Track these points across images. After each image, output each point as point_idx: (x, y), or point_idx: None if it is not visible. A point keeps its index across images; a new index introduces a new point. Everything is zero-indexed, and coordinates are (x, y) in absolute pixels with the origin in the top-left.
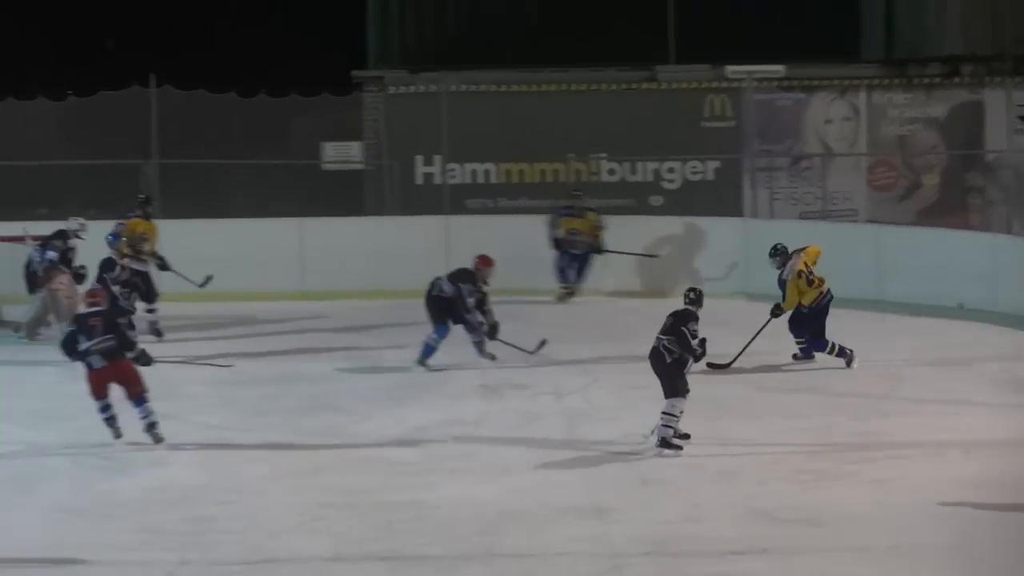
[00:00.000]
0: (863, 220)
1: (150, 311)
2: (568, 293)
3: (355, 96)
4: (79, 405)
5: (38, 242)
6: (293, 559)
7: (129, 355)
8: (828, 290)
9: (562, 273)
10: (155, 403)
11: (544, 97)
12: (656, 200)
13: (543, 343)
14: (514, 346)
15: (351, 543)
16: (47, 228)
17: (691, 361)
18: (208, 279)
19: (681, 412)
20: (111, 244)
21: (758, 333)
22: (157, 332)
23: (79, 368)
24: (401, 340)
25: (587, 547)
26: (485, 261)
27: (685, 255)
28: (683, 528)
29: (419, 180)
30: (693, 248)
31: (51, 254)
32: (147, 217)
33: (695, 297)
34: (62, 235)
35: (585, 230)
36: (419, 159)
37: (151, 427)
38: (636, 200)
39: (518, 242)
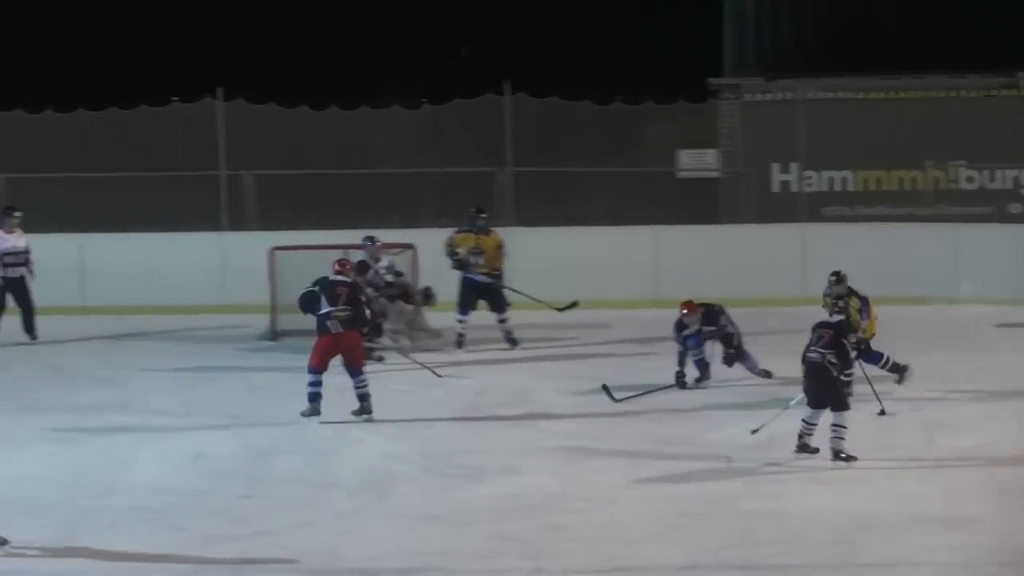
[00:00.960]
0: None
1: (501, 321)
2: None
3: (710, 103)
4: (432, 412)
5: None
6: (647, 568)
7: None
8: None
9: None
10: (509, 409)
11: (902, 104)
12: (1015, 208)
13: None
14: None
15: (705, 552)
16: (398, 236)
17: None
18: (573, 305)
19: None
20: (367, 247)
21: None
22: (512, 341)
23: (432, 379)
24: (755, 349)
25: (944, 557)
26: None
27: None
28: None
29: (775, 188)
30: None
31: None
32: (480, 232)
33: (842, 307)
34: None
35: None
36: (775, 167)
37: (364, 398)
38: (995, 208)
39: (876, 251)
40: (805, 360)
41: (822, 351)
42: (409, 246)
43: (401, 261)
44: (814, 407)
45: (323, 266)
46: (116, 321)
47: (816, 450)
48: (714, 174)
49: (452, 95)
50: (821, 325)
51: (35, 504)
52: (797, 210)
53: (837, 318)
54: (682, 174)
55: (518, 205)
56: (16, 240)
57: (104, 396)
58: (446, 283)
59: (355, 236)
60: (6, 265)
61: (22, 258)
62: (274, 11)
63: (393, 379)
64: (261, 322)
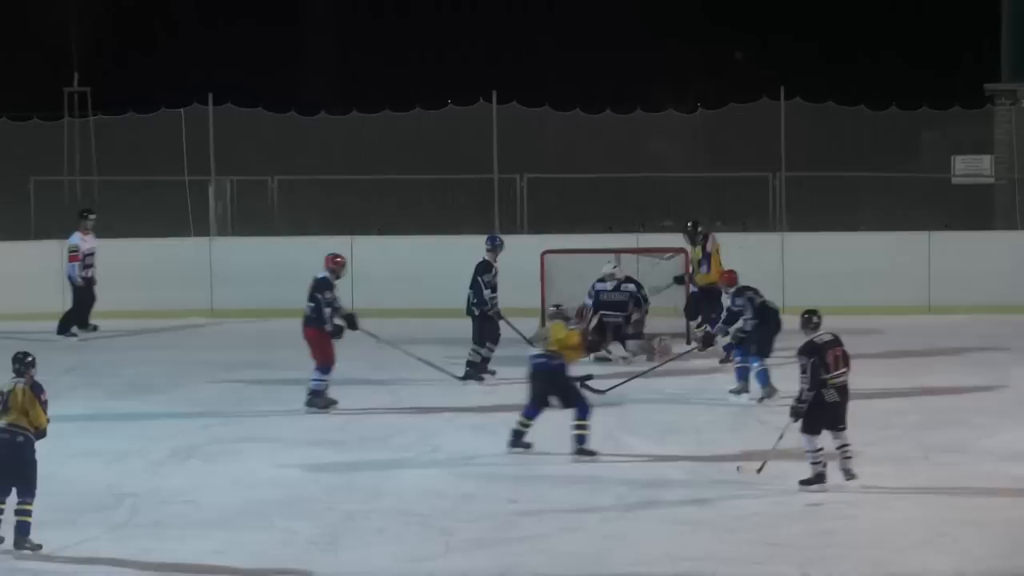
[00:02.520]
0: None
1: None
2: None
3: (987, 109)
4: (702, 419)
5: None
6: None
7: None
8: None
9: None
10: (780, 418)
11: None
12: None
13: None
14: None
15: (975, 560)
16: (670, 241)
17: None
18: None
19: None
20: (491, 249)
21: None
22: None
23: (705, 384)
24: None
25: None
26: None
27: None
28: None
29: None
30: None
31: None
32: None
33: (819, 320)
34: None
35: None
36: None
37: (312, 392)
38: None
39: None
40: (836, 386)
41: (845, 369)
42: (681, 250)
43: (672, 265)
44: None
45: (594, 270)
46: (382, 324)
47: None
48: (989, 180)
49: (727, 100)
50: (832, 344)
51: (302, 507)
52: None
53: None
54: (957, 180)
55: (791, 210)
56: (92, 242)
57: (371, 399)
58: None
59: (628, 240)
60: (86, 266)
61: (93, 260)
62: (549, 17)
63: (665, 384)
64: (531, 325)
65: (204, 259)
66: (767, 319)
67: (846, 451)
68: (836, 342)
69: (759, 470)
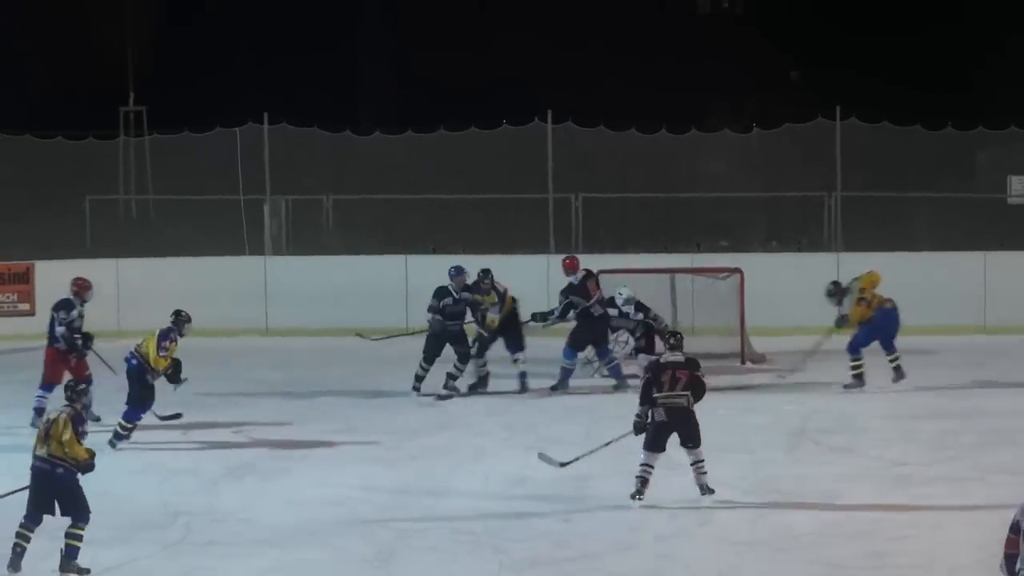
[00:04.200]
0: None
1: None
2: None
3: None
4: (755, 439)
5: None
6: None
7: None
8: None
9: None
10: (834, 435)
11: None
12: None
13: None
14: None
15: None
16: (726, 261)
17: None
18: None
19: None
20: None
21: None
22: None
23: (759, 404)
24: None
25: None
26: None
27: None
28: None
29: None
30: None
31: None
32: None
33: (677, 342)
34: None
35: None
36: None
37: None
38: None
39: None
40: (665, 407)
41: (683, 392)
42: (736, 270)
43: (728, 285)
44: (659, 450)
45: (648, 289)
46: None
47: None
48: None
49: (782, 120)
50: (674, 366)
51: (355, 525)
52: None
53: (684, 355)
54: (1013, 200)
55: (846, 230)
56: None
57: (424, 418)
58: (774, 306)
59: (683, 260)
60: None
61: None
62: (605, 35)
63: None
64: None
65: (259, 278)
66: None
67: (699, 467)
68: (681, 365)
69: (563, 464)
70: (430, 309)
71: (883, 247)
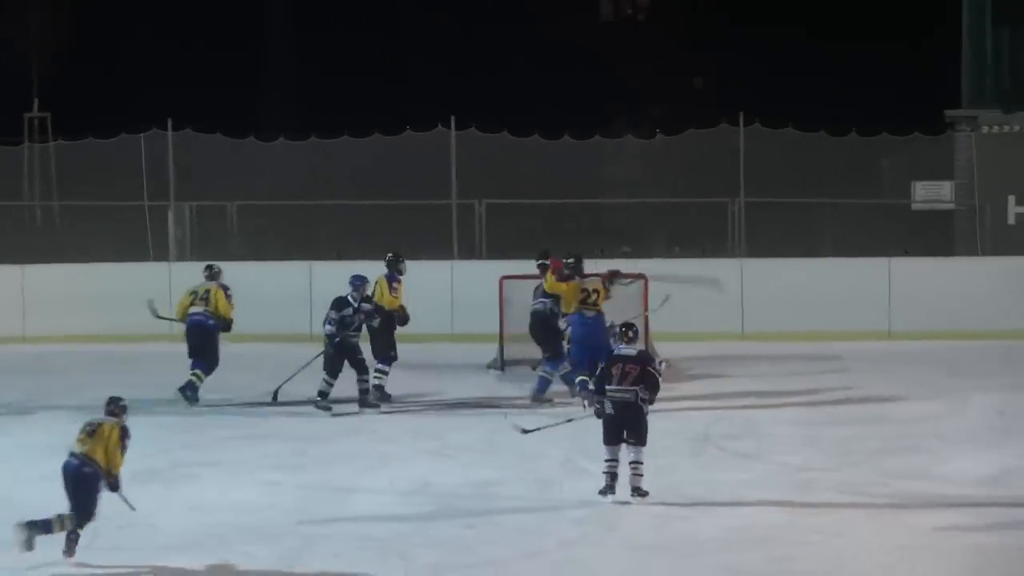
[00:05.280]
0: None
1: None
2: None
3: (947, 135)
4: (659, 444)
5: None
6: None
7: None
8: None
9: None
10: (739, 440)
11: None
12: None
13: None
14: None
15: None
16: (629, 266)
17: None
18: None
19: None
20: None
21: None
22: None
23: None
24: (988, 383)
25: None
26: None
27: None
28: None
29: (1011, 220)
30: None
31: None
32: None
33: (633, 336)
34: None
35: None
36: (1011, 199)
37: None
38: None
39: None
40: (613, 400)
41: (631, 388)
42: (641, 276)
43: (632, 291)
44: (616, 443)
45: None
46: None
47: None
48: (949, 206)
49: (686, 126)
50: (625, 360)
51: (260, 531)
52: None
53: (635, 348)
54: (917, 206)
55: (750, 235)
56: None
57: (330, 424)
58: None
59: (588, 266)
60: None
61: None
62: (509, 41)
63: None
64: (489, 352)
65: (164, 283)
66: None
67: (636, 468)
68: (632, 359)
69: (526, 431)
70: (328, 322)
71: (787, 253)
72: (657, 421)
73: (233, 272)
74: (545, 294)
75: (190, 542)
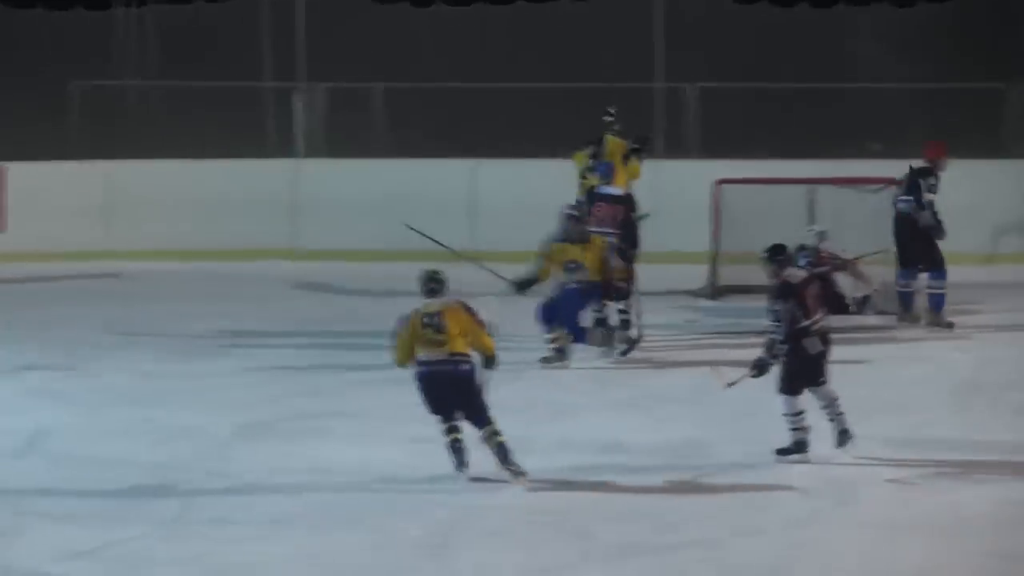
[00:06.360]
0: None
1: None
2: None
3: None
4: (914, 392)
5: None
6: None
7: None
8: None
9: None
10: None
11: None
12: None
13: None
14: None
15: None
16: (877, 169)
17: None
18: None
19: None
20: None
21: None
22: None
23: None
24: None
25: None
26: None
27: None
28: None
29: None
30: None
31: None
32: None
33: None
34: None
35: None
36: None
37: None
38: None
39: None
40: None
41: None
42: (893, 180)
43: (882, 200)
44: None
45: (777, 204)
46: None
47: None
48: None
49: None
50: (810, 282)
51: (403, 501)
52: None
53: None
54: None
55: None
56: None
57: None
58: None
59: (821, 168)
60: None
61: None
62: None
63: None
64: (699, 274)
65: (287, 186)
66: None
67: (836, 406)
68: (812, 280)
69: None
70: None
71: None
72: (910, 366)
73: (377, 173)
74: (909, 190)
75: (312, 514)
